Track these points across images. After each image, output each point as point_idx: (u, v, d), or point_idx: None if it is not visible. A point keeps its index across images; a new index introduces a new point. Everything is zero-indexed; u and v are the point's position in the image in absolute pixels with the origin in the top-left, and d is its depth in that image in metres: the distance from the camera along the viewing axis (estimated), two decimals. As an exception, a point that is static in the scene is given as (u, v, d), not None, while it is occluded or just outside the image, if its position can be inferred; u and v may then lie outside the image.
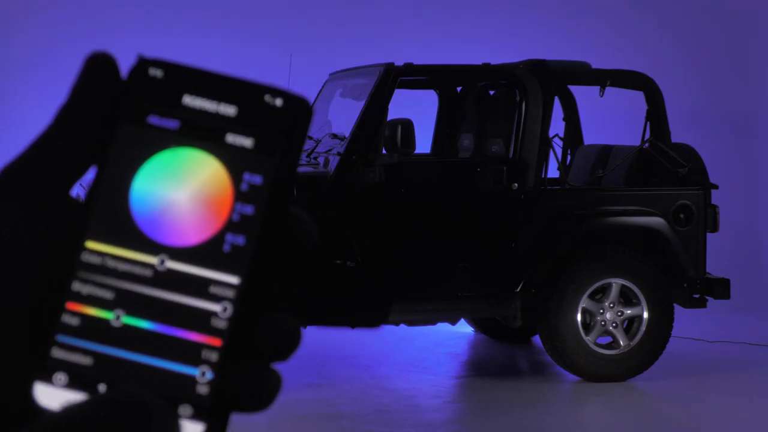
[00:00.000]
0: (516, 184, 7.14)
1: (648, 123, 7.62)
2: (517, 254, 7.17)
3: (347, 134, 6.94)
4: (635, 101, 7.97)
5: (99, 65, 0.56)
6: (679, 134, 7.88)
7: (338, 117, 7.37)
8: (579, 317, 7.18)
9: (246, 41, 10.61)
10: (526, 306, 7.18)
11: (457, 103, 8.41)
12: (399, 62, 7.15)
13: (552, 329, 7.16)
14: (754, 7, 11.51)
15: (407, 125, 6.87)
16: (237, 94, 0.56)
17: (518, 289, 7.15)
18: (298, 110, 0.56)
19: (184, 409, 0.53)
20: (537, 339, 8.16)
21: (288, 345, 0.55)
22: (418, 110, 7.95)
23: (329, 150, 7.03)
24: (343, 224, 6.81)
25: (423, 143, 7.94)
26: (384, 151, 6.92)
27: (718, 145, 10.57)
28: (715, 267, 7.88)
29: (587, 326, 7.23)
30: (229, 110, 0.56)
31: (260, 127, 0.56)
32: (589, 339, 7.18)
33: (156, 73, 0.56)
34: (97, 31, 10.36)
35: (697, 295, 7.47)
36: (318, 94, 8.10)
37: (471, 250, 7.10)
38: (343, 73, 7.84)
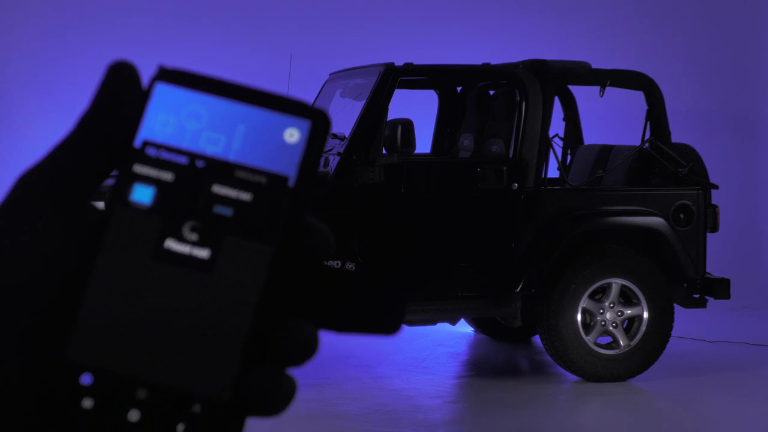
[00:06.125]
0: (516, 184, 7.14)
1: (648, 123, 7.62)
2: (517, 254, 7.17)
3: (347, 134, 6.94)
4: (635, 101, 7.97)
5: (120, 74, 0.56)
6: (679, 134, 7.88)
7: (338, 117, 7.37)
8: (579, 317, 7.18)
9: (246, 42, 10.61)
10: (526, 306, 7.18)
11: (457, 103, 8.41)
12: (399, 62, 7.15)
13: (552, 329, 7.16)
14: (754, 7, 11.51)
15: (407, 125, 6.87)
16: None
17: (518, 289, 7.15)
18: (314, 128, 0.56)
19: (199, 407, 0.54)
20: (537, 339, 8.17)
21: (305, 352, 0.56)
22: (418, 110, 7.95)
23: (329, 150, 7.03)
24: (343, 224, 6.82)
25: (423, 143, 7.94)
26: (384, 151, 6.92)
27: (718, 145, 10.58)
28: (715, 267, 7.88)
29: (587, 326, 7.23)
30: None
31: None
32: (589, 339, 7.18)
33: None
34: (94, 34, 10.36)
35: (697, 295, 7.47)
36: (318, 94, 8.10)
37: (471, 250, 7.10)
38: (343, 73, 7.84)
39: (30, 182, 0.55)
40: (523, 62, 7.50)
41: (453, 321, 7.26)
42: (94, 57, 10.29)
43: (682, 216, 7.43)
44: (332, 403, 6.47)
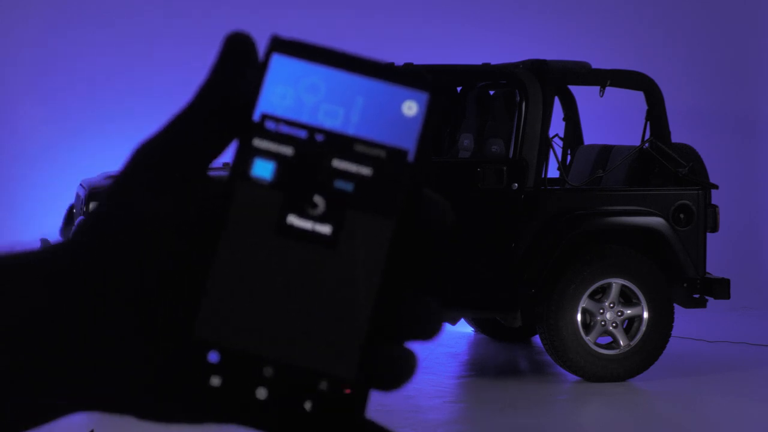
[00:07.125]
0: (516, 184, 7.14)
1: (648, 123, 7.63)
2: (517, 254, 7.17)
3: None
4: (635, 101, 7.97)
5: (238, 45, 0.56)
6: (679, 134, 7.88)
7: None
8: (579, 317, 7.18)
9: (246, 41, 10.59)
10: (526, 306, 7.18)
11: (457, 103, 8.41)
12: (399, 62, 7.14)
13: (552, 329, 7.16)
14: (754, 7, 11.51)
15: (407, 125, 6.86)
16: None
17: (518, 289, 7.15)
18: (433, 100, 0.55)
19: (325, 384, 0.53)
20: (537, 339, 8.17)
21: (430, 326, 0.56)
22: (418, 110, 7.93)
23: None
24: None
25: (423, 143, 7.93)
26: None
27: (718, 145, 10.58)
28: (715, 267, 7.88)
29: (587, 326, 7.23)
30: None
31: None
32: (589, 339, 7.18)
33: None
34: (94, 34, 10.36)
35: (697, 295, 7.47)
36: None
37: (471, 250, 7.10)
38: (343, 73, 7.84)
39: (145, 156, 0.54)
40: (523, 62, 7.50)
41: (453, 321, 7.27)
42: (94, 57, 10.29)
43: (682, 216, 7.43)
44: (332, 403, 6.46)
